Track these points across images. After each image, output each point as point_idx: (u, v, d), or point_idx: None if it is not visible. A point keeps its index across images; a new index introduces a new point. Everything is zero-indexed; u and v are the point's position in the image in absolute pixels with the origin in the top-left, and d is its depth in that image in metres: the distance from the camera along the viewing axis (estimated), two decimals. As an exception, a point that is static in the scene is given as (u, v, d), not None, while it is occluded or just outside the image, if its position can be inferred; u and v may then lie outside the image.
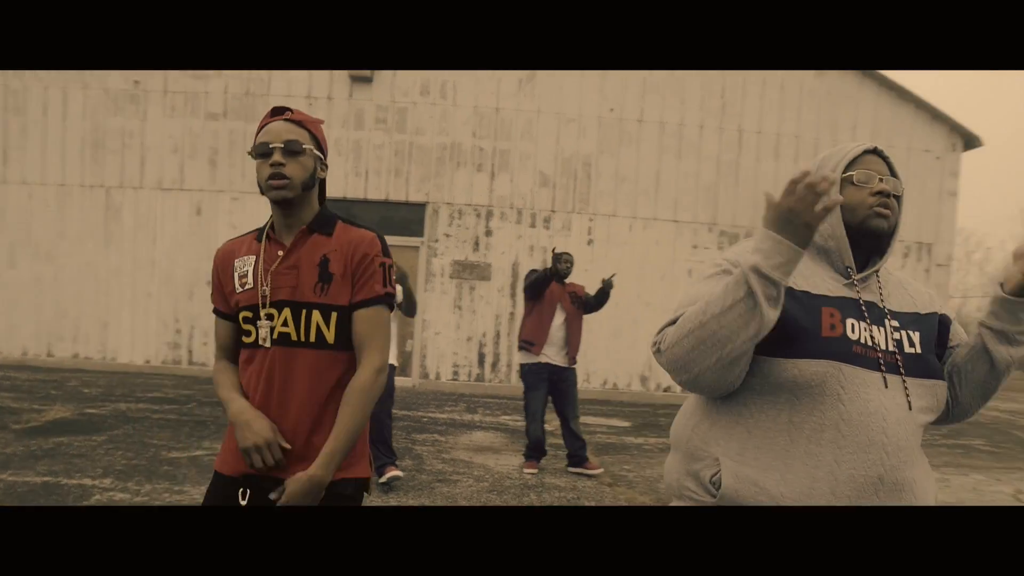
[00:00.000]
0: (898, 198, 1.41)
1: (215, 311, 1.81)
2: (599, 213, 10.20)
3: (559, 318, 5.39)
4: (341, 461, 1.61)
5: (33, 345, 9.96)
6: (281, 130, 1.65)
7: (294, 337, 1.63)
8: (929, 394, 1.33)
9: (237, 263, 1.72)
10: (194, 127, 9.91)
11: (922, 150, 10.50)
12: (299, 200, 1.67)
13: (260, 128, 1.70)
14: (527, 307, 5.45)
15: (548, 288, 5.35)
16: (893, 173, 1.41)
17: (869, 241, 1.39)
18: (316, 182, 1.72)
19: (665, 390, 10.24)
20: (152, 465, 4.96)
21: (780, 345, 1.26)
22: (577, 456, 5.41)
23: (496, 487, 4.96)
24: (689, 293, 1.38)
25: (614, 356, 10.05)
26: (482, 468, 5.50)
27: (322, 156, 1.74)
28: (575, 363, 5.47)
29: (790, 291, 1.32)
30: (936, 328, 1.42)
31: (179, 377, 9.33)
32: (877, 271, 1.41)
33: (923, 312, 1.42)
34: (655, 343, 1.35)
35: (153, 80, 9.91)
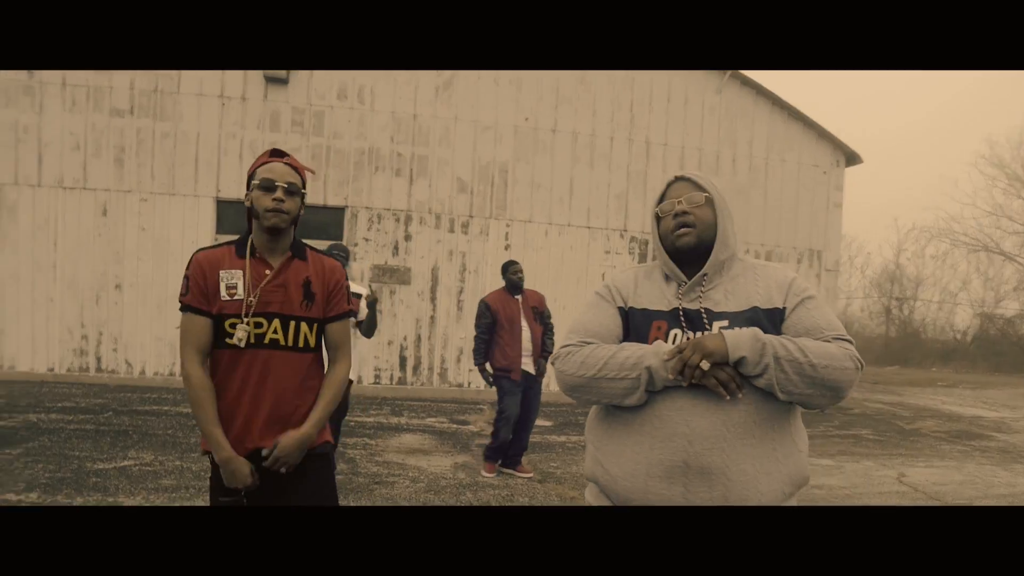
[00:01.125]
0: (712, 205, 1.65)
1: (191, 308, 2.01)
2: (516, 219, 10.52)
3: (526, 333, 5.46)
4: (322, 427, 2.08)
5: (-86, 354, 9.26)
6: (284, 172, 2.02)
7: (283, 342, 2.00)
8: (751, 385, 1.49)
9: (223, 274, 2.00)
10: (98, 123, 9.48)
11: (811, 165, 11.44)
12: (287, 230, 2.05)
13: (259, 164, 2.05)
14: (489, 335, 5.48)
15: (505, 310, 5.42)
16: (700, 188, 1.67)
17: (688, 256, 1.66)
18: (298, 217, 2.09)
19: (579, 389, 10.68)
20: (79, 477, 4.84)
21: None
22: (515, 458, 5.65)
23: (433, 487, 5.16)
24: (579, 319, 1.71)
25: (531, 357, 10.38)
26: (416, 469, 5.67)
27: (304, 199, 2.13)
28: (544, 374, 5.64)
29: (632, 310, 1.67)
30: (775, 321, 1.57)
31: (88, 385, 8.91)
32: (705, 276, 1.63)
33: (764, 307, 1.58)
34: (555, 355, 1.67)
35: (50, 72, 9.41)
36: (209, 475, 2.10)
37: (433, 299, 10.25)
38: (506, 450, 5.62)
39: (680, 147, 11.03)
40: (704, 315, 1.59)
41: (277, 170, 2.01)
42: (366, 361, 10.03)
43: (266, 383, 1.99)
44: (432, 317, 10.24)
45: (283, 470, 1.98)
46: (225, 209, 9.68)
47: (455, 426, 7.84)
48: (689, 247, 1.63)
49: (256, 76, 9.80)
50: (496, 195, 10.49)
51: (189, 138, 9.64)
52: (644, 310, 1.64)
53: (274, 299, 2.00)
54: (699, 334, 1.55)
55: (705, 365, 1.44)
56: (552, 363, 1.66)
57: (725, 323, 1.56)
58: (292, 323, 2.00)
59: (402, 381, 10.12)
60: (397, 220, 10.20)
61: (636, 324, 1.64)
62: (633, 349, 1.55)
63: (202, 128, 9.67)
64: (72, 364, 9.30)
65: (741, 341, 1.46)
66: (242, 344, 1.97)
